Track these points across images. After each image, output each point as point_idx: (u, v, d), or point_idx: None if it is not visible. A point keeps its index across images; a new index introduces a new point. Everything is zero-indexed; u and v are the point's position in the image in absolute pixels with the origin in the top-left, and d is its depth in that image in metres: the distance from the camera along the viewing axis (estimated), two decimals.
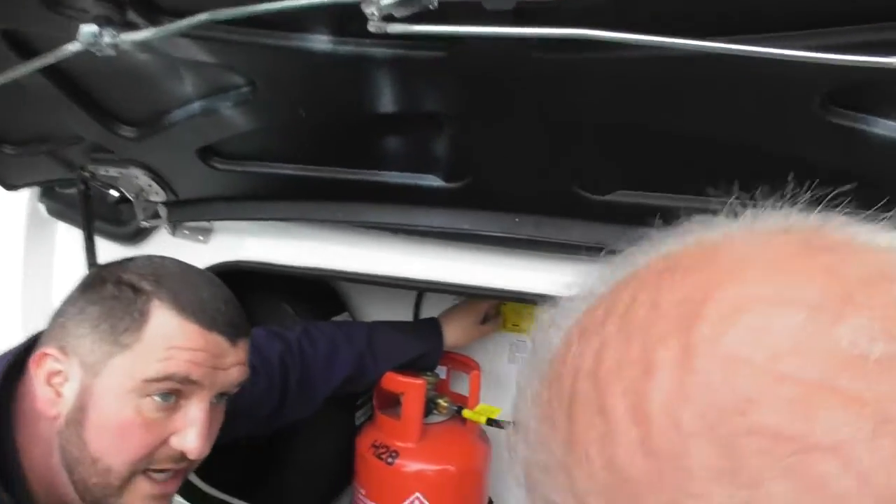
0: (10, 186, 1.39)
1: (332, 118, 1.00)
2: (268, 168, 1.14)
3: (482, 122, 0.91)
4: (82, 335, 0.80)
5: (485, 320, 1.57)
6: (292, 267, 1.32)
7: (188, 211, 1.28)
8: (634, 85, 0.77)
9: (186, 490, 1.38)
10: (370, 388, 1.66)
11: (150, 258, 0.92)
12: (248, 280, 1.57)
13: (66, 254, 1.50)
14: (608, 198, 0.99)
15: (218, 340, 0.83)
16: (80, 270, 1.11)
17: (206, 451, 0.84)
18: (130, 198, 1.26)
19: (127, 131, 1.09)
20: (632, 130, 0.86)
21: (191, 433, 0.81)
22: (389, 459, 1.40)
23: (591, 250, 1.13)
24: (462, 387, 1.58)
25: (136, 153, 1.16)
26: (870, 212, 0.36)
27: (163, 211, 1.29)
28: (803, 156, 0.78)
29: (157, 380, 0.79)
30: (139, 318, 0.80)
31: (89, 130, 1.10)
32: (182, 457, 0.83)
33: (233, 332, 0.86)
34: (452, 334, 1.51)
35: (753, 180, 0.88)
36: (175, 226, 1.35)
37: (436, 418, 1.49)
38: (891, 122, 0.72)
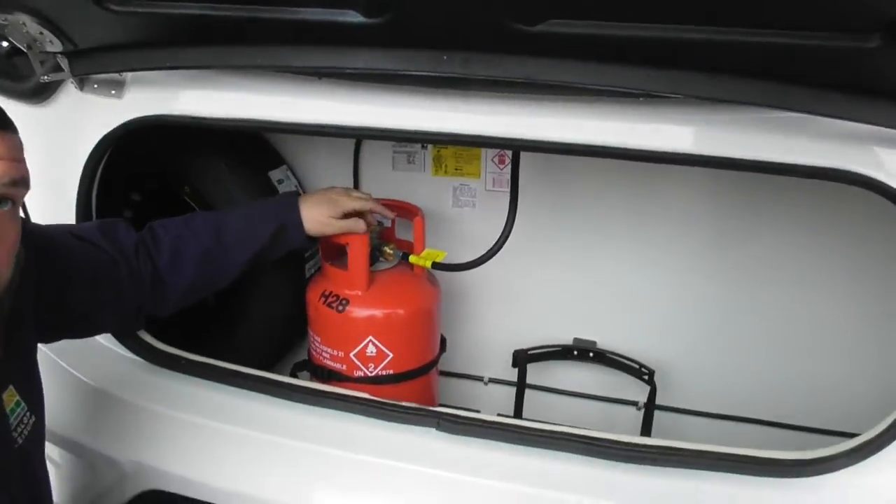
0: None
1: None
2: (171, 9, 1.03)
3: None
4: None
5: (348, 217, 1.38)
6: (218, 119, 1.24)
7: (92, 62, 1.17)
8: None
9: (140, 347, 1.39)
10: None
11: None
12: (177, 136, 1.49)
13: None
14: (538, 28, 0.92)
15: None
16: None
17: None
18: (23, 48, 1.14)
19: None
20: None
21: None
22: (340, 308, 1.43)
23: (522, 86, 1.09)
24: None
25: None
26: None
27: (64, 63, 1.18)
28: None
29: None
30: None
31: None
32: None
33: None
34: (307, 218, 1.35)
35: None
36: (82, 80, 1.24)
37: (382, 265, 1.51)
38: None
